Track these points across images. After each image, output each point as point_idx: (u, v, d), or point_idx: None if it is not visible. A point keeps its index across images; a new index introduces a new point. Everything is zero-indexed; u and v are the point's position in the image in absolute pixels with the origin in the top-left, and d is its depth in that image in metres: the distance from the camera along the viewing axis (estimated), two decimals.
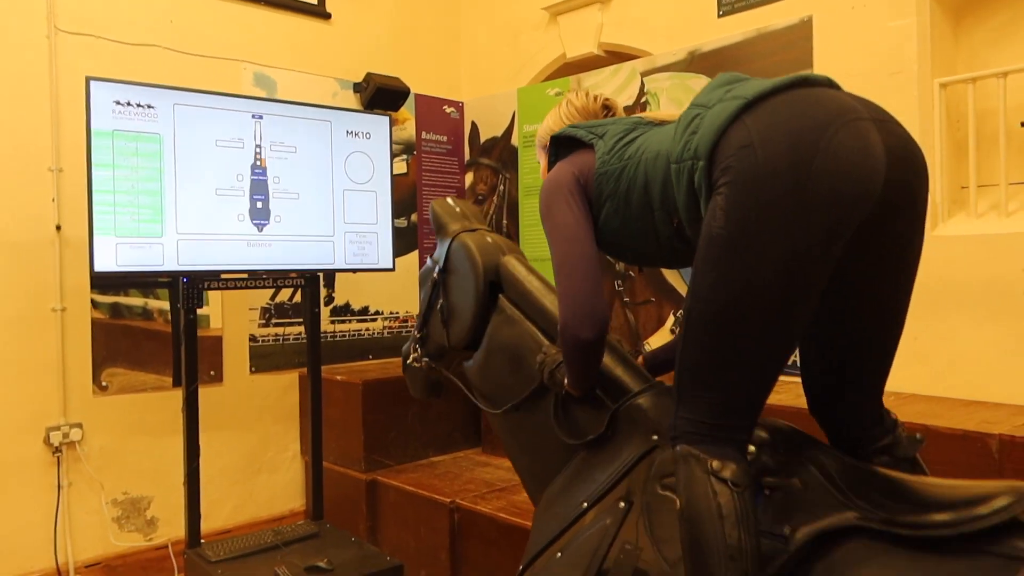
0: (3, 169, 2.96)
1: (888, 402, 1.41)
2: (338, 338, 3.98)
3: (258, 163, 2.84)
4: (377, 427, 3.49)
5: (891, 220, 1.24)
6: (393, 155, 4.11)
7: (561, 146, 1.67)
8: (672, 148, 1.35)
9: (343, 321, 4.00)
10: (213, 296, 3.46)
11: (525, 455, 1.78)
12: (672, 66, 3.45)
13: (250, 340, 3.66)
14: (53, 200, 3.04)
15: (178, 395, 2.91)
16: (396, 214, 4.16)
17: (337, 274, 3.94)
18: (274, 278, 2.94)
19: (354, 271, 3.14)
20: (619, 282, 3.73)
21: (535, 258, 3.96)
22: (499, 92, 4.29)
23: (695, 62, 3.37)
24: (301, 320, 3.81)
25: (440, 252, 1.92)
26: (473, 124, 4.47)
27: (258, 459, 3.71)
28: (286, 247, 2.92)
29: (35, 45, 3.05)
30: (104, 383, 3.21)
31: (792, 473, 1.25)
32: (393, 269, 3.33)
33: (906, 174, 1.22)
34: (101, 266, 2.51)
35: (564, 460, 1.63)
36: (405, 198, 4.25)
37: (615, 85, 3.68)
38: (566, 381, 1.59)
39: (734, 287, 1.19)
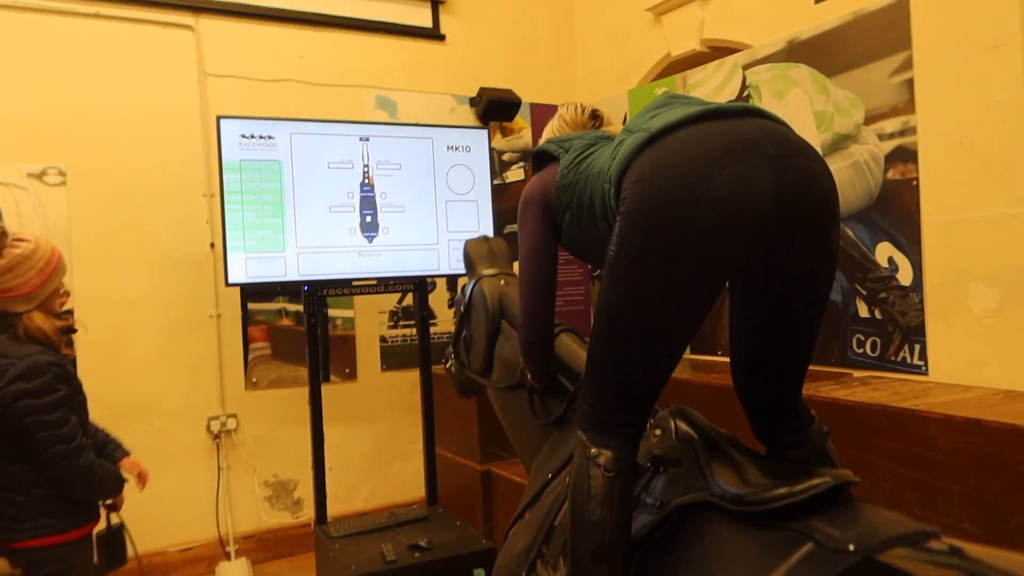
0: (167, 196, 3.49)
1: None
2: None
3: (366, 181, 3.15)
4: (492, 421, 3.69)
5: (790, 254, 1.30)
6: (510, 163, 4.33)
7: (539, 159, 1.80)
8: (603, 168, 1.47)
9: None
10: (346, 301, 3.84)
11: (516, 434, 2.08)
12: (772, 57, 3.38)
13: (380, 341, 4.02)
14: (207, 221, 3.54)
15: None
16: (513, 219, 4.37)
17: (460, 277, 4.21)
18: (385, 284, 3.24)
19: (458, 276, 3.37)
20: None
21: None
22: (611, 95, 4.37)
23: (794, 51, 3.28)
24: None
25: (467, 288, 2.23)
26: None
27: (390, 449, 4.06)
28: (394, 256, 3.21)
29: (188, 88, 3.56)
30: (254, 379, 3.68)
31: (682, 456, 1.37)
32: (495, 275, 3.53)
33: (801, 213, 1.27)
34: (234, 278, 2.92)
35: (543, 437, 1.86)
36: None
37: (718, 81, 3.66)
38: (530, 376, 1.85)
39: (620, 304, 1.32)
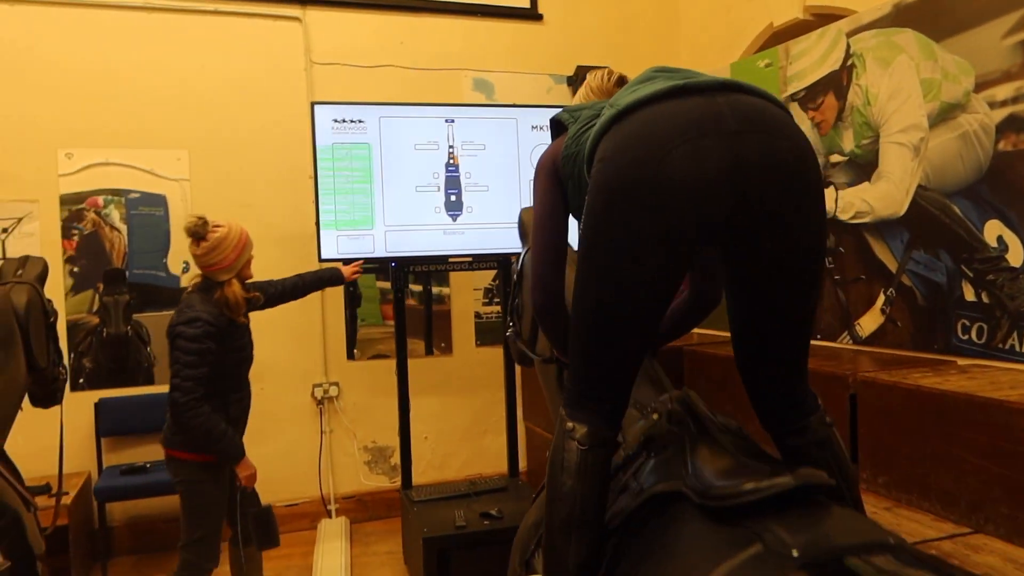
0: (277, 178, 3.76)
1: None
2: None
3: (451, 161, 3.26)
4: None
5: (764, 232, 1.28)
6: None
7: (554, 128, 1.80)
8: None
9: None
10: (441, 278, 3.99)
11: (551, 408, 2.07)
12: (877, 22, 3.17)
13: (475, 317, 4.14)
14: (312, 202, 3.78)
15: (417, 361, 3.51)
16: None
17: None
18: (469, 262, 3.35)
19: None
20: (830, 259, 3.52)
21: None
22: (714, 69, 4.24)
23: (900, 14, 3.06)
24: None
25: (521, 257, 2.24)
26: None
27: (484, 422, 4.19)
28: (478, 234, 3.30)
29: (296, 76, 3.80)
30: (354, 351, 3.91)
31: (671, 443, 1.36)
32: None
33: (766, 189, 1.24)
34: (326, 254, 3.12)
35: None
36: None
37: (821, 50, 3.47)
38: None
39: (588, 281, 1.34)
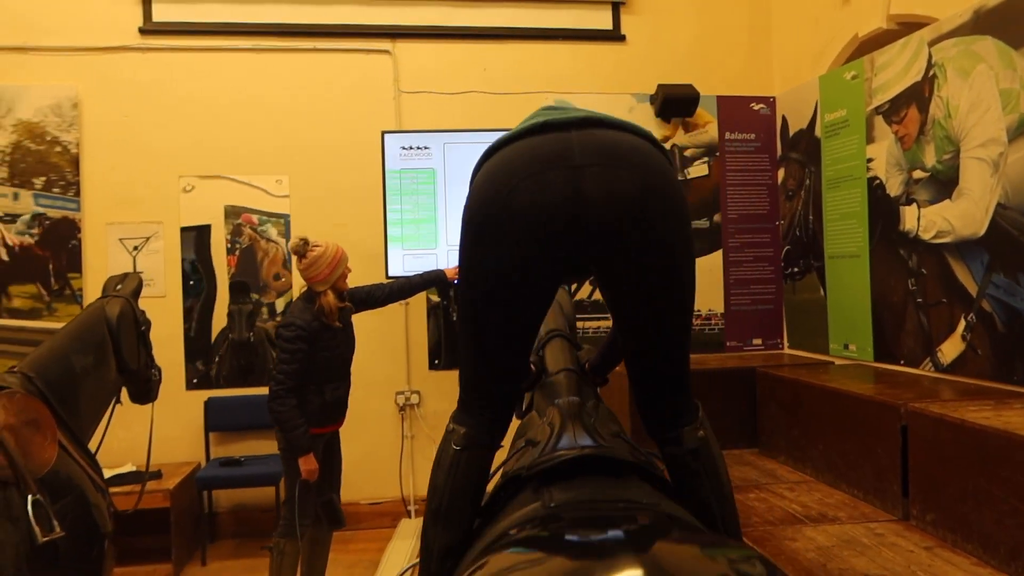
0: (366, 200, 4.05)
1: None
2: None
3: None
4: None
5: (610, 259, 1.35)
6: (693, 159, 4.29)
7: None
8: None
9: None
10: None
11: None
12: (958, 30, 2.99)
13: None
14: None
15: None
16: (696, 215, 4.33)
17: None
18: None
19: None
20: (912, 280, 3.33)
21: (840, 254, 3.74)
22: (804, 83, 4.11)
23: (981, 21, 2.87)
24: (599, 315, 4.26)
25: None
26: (783, 119, 4.35)
27: None
28: None
29: (385, 106, 4.10)
30: (435, 360, 4.14)
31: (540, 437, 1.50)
32: None
33: (607, 219, 1.30)
34: (393, 271, 3.36)
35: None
36: (707, 199, 4.37)
37: (904, 61, 3.30)
38: None
39: (461, 307, 1.47)
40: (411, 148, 3.38)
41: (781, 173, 4.40)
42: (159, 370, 2.88)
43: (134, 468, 3.58)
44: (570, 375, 1.86)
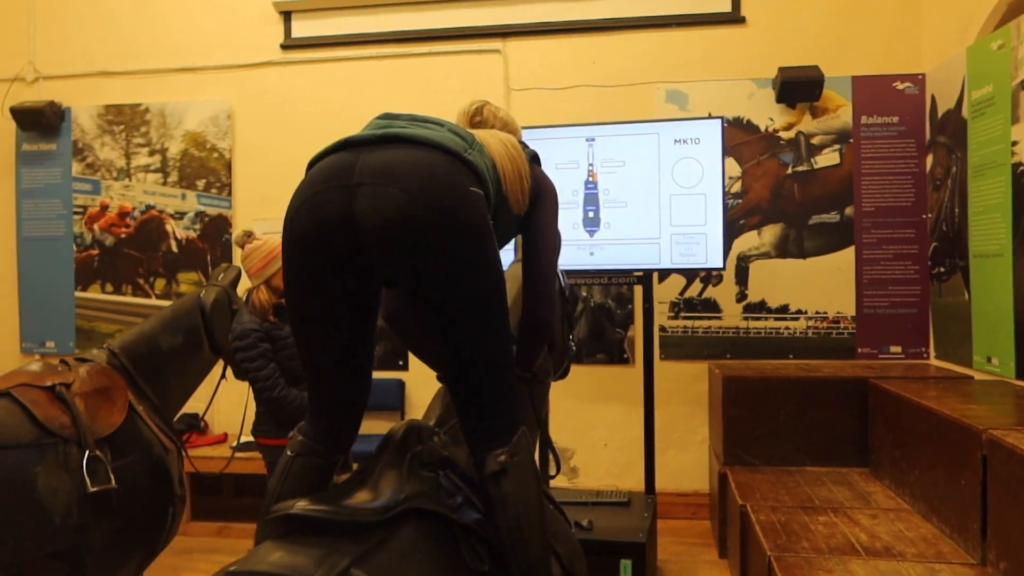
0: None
1: None
2: (751, 334, 4.06)
3: (590, 179, 3.35)
4: (740, 423, 3.53)
5: (397, 278, 1.38)
6: (820, 146, 3.95)
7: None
8: None
9: (757, 318, 4.05)
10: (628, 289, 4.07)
11: None
12: None
13: (660, 330, 4.12)
14: None
15: (592, 369, 3.83)
16: (824, 208, 3.98)
17: (750, 272, 4.03)
18: (609, 277, 3.40)
19: (677, 271, 3.32)
20: None
21: (984, 253, 3.27)
22: (952, 56, 3.60)
23: None
24: (710, 315, 4.06)
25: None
26: (932, 98, 3.83)
27: (666, 437, 4.14)
28: (615, 250, 3.34)
29: (497, 100, 4.17)
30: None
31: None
32: (723, 268, 3.35)
33: (380, 239, 1.32)
34: None
35: None
36: (837, 190, 3.98)
37: None
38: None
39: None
40: None
41: (929, 160, 3.89)
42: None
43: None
44: (440, 392, 1.84)
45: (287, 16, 4.38)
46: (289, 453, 1.58)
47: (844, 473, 3.39)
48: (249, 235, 2.91)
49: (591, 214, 3.37)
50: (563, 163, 3.39)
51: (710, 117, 3.29)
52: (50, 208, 4.59)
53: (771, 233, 4.02)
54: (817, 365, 3.81)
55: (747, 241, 4.03)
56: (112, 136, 4.54)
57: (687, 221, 3.29)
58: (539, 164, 1.90)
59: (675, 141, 3.30)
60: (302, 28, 4.38)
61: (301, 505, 1.25)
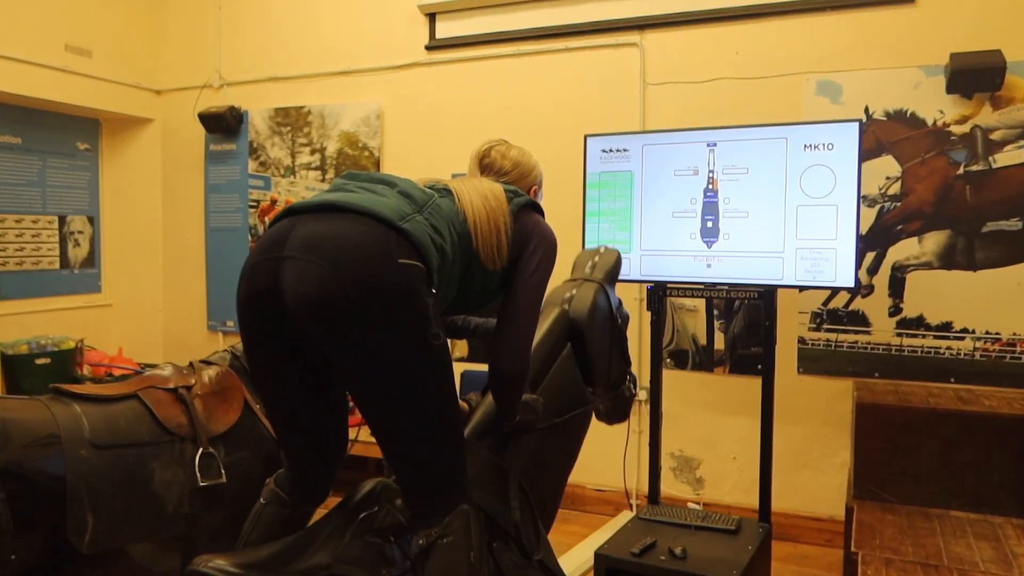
0: (560, 191, 4.09)
1: None
2: (905, 352, 3.66)
3: (710, 187, 3.15)
4: (876, 454, 3.21)
5: (322, 350, 1.39)
6: (1001, 143, 3.47)
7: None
8: None
9: (913, 335, 3.64)
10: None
11: None
12: None
13: (799, 342, 3.83)
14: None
15: (724, 379, 3.79)
16: (1002, 214, 3.48)
17: (907, 284, 3.62)
18: (726, 291, 3.20)
19: (801, 288, 3.04)
20: None
21: None
22: None
23: None
24: (857, 328, 3.71)
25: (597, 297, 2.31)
26: None
27: (803, 456, 3.87)
28: (733, 263, 3.13)
29: (631, 100, 4.07)
30: (667, 359, 4.06)
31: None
32: (855, 287, 3.02)
33: (298, 313, 1.34)
34: None
35: None
36: (1020, 193, 3.44)
37: None
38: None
39: None
40: (611, 151, 3.35)
41: None
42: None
43: None
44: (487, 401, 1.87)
45: (432, 17, 4.51)
46: (261, 501, 1.69)
47: (996, 524, 2.98)
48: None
49: (710, 224, 3.18)
50: (681, 169, 3.22)
51: (846, 120, 2.95)
52: (230, 202, 5.13)
53: (934, 241, 3.57)
54: (981, 393, 3.35)
55: (904, 249, 3.61)
56: (280, 136, 4.96)
57: (815, 235, 3.01)
58: (538, 212, 1.81)
59: (805, 147, 3.01)
60: (445, 29, 4.49)
61: (215, 564, 1.33)
